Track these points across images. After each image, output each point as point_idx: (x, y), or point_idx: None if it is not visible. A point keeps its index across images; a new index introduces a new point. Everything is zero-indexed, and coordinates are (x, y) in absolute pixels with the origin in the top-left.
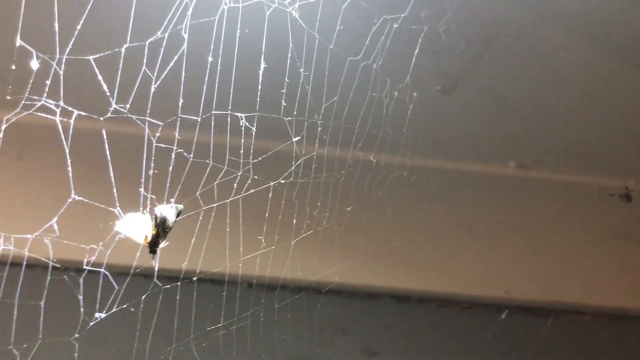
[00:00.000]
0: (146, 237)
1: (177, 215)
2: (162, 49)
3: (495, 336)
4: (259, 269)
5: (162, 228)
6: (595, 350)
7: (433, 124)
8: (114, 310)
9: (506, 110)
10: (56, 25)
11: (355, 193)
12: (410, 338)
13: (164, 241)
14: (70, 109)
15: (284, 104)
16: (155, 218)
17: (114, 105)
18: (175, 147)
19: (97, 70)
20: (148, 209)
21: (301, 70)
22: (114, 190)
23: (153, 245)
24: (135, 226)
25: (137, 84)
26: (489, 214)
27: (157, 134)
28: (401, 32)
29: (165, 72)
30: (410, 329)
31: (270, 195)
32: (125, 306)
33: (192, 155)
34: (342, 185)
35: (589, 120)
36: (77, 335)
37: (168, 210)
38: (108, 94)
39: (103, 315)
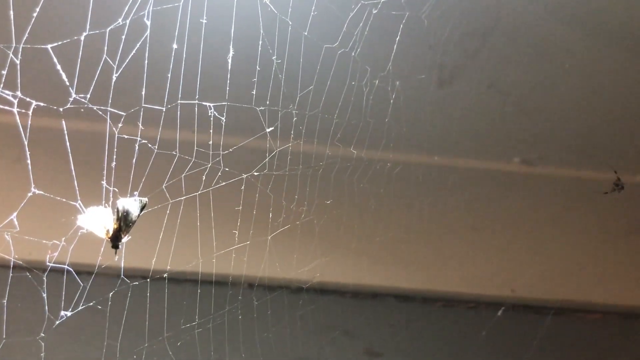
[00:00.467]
0: (108, 231)
1: (142, 209)
2: (124, 37)
3: (502, 336)
4: (235, 266)
5: (124, 222)
6: (605, 348)
7: (430, 117)
8: (80, 308)
9: (508, 105)
10: (11, 12)
11: (335, 186)
12: (414, 338)
13: (127, 235)
14: (28, 99)
15: (254, 93)
16: (117, 211)
17: (73, 96)
18: (138, 138)
19: (55, 60)
20: (110, 203)
21: (273, 57)
22: (75, 183)
23: (115, 240)
24: (97, 220)
25: (97, 73)
26: (494, 210)
27: (120, 125)
28: (381, 18)
29: (127, 61)
30: (415, 329)
31: (243, 188)
32: (92, 304)
33: (156, 147)
34: (321, 179)
35: (593, 113)
36: (42, 335)
37: (131, 204)
38: (67, 84)
39: (69, 313)
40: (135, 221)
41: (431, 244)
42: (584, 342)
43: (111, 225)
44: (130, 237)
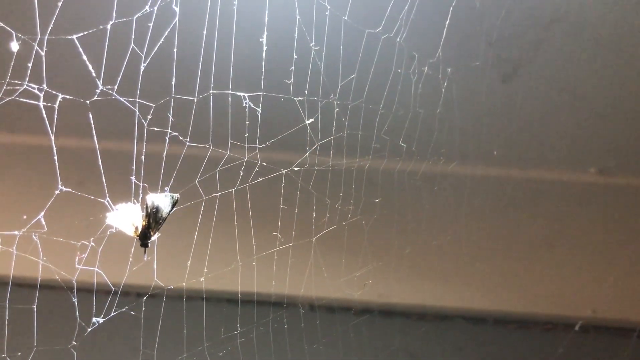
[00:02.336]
0: (136, 228)
1: (173, 206)
2: (151, 24)
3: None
4: (278, 270)
5: (154, 219)
6: None
7: (492, 120)
8: (112, 314)
9: (581, 110)
10: (36, 3)
11: (384, 183)
12: None
13: (157, 233)
14: (54, 92)
15: (292, 82)
16: (146, 208)
17: (100, 87)
18: (169, 131)
19: (81, 50)
20: (140, 199)
21: (311, 44)
22: (103, 179)
23: (144, 238)
24: (126, 218)
25: (125, 63)
26: (570, 225)
27: (149, 117)
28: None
29: (155, 49)
30: (486, 352)
31: (283, 184)
32: (124, 309)
33: (188, 140)
34: (368, 174)
35: None
36: (74, 343)
37: (161, 200)
38: (94, 75)
39: (101, 320)
40: (165, 218)
41: (504, 262)
42: None
43: (140, 222)
44: (160, 234)
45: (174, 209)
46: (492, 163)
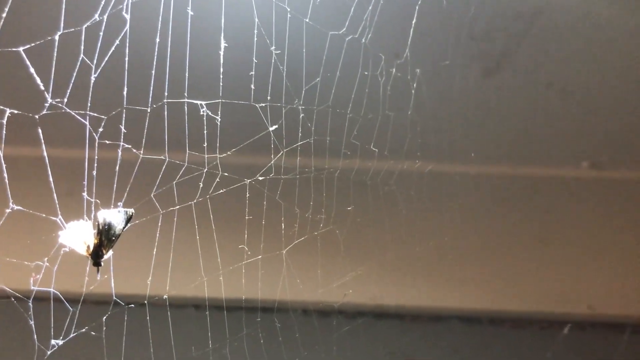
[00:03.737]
0: (88, 247)
1: (127, 222)
2: (101, 33)
3: (580, 356)
4: (247, 284)
5: (106, 236)
6: None
7: (477, 116)
8: (72, 335)
9: (572, 105)
10: None
11: (356, 190)
12: None
13: (110, 251)
14: (1, 107)
15: (253, 88)
16: (98, 225)
17: (49, 101)
18: (122, 143)
19: (28, 62)
20: (92, 216)
21: (272, 48)
22: (55, 196)
23: (96, 257)
24: (78, 236)
25: (74, 75)
26: (563, 221)
27: (100, 129)
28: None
29: (106, 59)
30: (482, 353)
31: (248, 195)
32: (84, 330)
33: (142, 152)
34: (339, 182)
35: None
36: None
37: (114, 216)
38: (42, 88)
39: (60, 342)
40: (119, 235)
41: (496, 260)
42: None
43: (92, 240)
44: (112, 252)
45: (129, 225)
46: (476, 161)
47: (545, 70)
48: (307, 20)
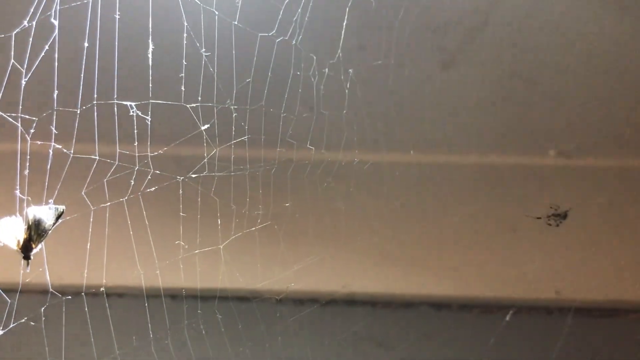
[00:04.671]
0: (18, 242)
1: (58, 218)
2: (31, 39)
3: (550, 340)
4: (187, 278)
5: (35, 231)
6: None
7: (437, 107)
8: (12, 326)
9: (535, 94)
10: None
11: (293, 187)
12: (452, 348)
13: (39, 246)
14: None
15: (183, 89)
16: (28, 220)
17: None
18: (52, 143)
19: None
20: (24, 212)
21: (202, 50)
22: None
23: (25, 250)
24: (8, 231)
25: (5, 79)
26: (532, 208)
27: (32, 130)
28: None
29: (36, 64)
30: (452, 338)
31: (182, 192)
32: (23, 320)
33: (72, 152)
34: (275, 179)
35: (633, 96)
36: None
37: (44, 212)
38: None
39: (0, 332)
40: (49, 230)
41: (464, 248)
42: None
43: (21, 235)
44: (43, 246)
45: (60, 221)
46: (445, 151)
47: (507, 61)
48: (236, 22)
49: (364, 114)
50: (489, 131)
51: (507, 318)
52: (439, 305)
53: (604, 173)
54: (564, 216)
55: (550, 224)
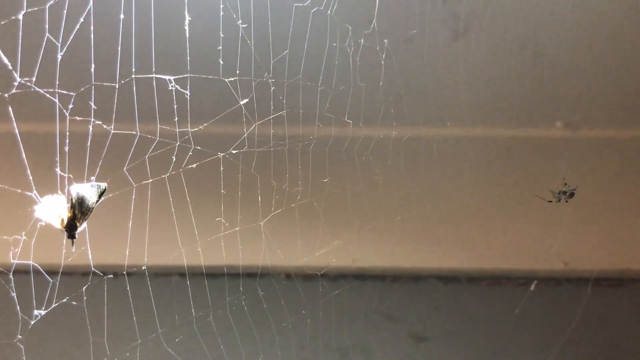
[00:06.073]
0: (62, 220)
1: (100, 195)
2: (65, 11)
3: (557, 311)
4: (228, 256)
5: (79, 209)
6: None
7: (449, 80)
8: (54, 305)
9: (544, 66)
10: None
11: (332, 162)
12: (460, 320)
13: (84, 224)
14: None
15: (221, 62)
16: (71, 199)
17: (18, 80)
18: (92, 119)
19: None
20: (66, 190)
21: (239, 22)
22: (28, 172)
23: (70, 229)
24: (52, 210)
25: (41, 54)
26: (539, 180)
27: (70, 106)
28: None
29: (71, 37)
30: (461, 310)
31: (222, 168)
32: (65, 300)
33: (112, 127)
34: (314, 154)
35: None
36: (19, 337)
37: (87, 189)
38: (10, 67)
39: (43, 312)
40: (92, 208)
41: (473, 220)
42: None
43: (65, 214)
44: (87, 225)
45: (102, 198)
46: (456, 123)
47: (517, 32)
48: None
49: (401, 84)
50: (496, 104)
51: (532, 288)
52: (447, 278)
53: (611, 144)
54: (570, 195)
55: (559, 201)
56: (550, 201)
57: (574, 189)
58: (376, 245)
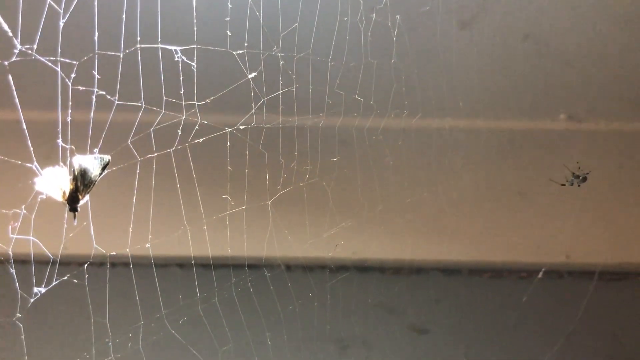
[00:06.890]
0: (64, 193)
1: (104, 168)
2: None
3: (559, 304)
4: (233, 236)
5: (81, 182)
6: None
7: (454, 70)
8: (54, 283)
9: (548, 57)
10: None
11: (342, 140)
12: (462, 313)
13: (86, 196)
14: None
15: (229, 34)
16: (73, 171)
17: (19, 47)
18: (95, 89)
19: None
20: (68, 162)
21: None
22: (29, 143)
23: (72, 202)
24: (53, 182)
25: (42, 20)
26: (542, 172)
27: (73, 75)
28: None
29: (74, 3)
30: (462, 303)
31: (229, 144)
32: (66, 278)
33: (116, 98)
34: (323, 131)
35: None
36: (19, 315)
37: (90, 162)
38: (10, 34)
39: (43, 289)
40: (95, 181)
41: (476, 212)
42: None
43: (67, 186)
44: (89, 198)
45: (105, 171)
46: (460, 114)
47: (521, 23)
48: None
49: (413, 63)
50: (499, 95)
51: (540, 275)
52: (449, 271)
53: (615, 137)
54: (583, 179)
55: (572, 184)
56: (564, 184)
57: (587, 173)
58: (377, 237)
